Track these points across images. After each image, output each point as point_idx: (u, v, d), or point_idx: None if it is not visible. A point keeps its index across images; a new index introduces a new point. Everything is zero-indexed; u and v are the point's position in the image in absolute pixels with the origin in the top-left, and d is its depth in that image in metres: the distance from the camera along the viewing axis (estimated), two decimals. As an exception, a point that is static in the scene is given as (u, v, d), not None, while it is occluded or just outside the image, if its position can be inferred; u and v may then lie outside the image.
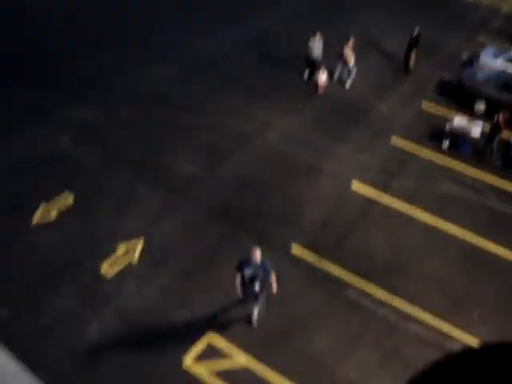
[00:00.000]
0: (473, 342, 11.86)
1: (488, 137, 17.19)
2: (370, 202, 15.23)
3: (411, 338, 11.91)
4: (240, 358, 11.24)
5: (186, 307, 12.05)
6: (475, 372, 0.85)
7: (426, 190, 15.75)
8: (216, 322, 11.77)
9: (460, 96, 19.68)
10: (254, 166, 15.96)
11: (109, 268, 12.71)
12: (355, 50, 19.88)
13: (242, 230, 13.88)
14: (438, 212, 15.00)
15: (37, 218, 13.73)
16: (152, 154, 16.01)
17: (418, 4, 26.71)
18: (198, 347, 11.37)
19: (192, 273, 12.79)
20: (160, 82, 18.99)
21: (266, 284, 10.99)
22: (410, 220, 14.79)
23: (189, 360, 11.14)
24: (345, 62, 19.77)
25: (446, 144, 17.50)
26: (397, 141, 17.55)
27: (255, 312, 11.44)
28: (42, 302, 11.85)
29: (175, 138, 16.70)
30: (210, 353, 11.32)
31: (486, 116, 18.56)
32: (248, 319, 11.65)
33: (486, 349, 0.89)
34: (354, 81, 19.96)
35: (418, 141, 17.63)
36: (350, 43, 19.69)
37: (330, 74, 19.78)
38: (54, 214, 13.87)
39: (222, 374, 10.98)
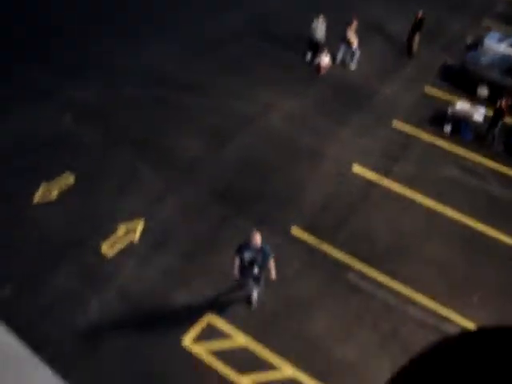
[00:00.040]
0: (471, 325, 11.92)
1: (491, 122, 17.13)
2: (370, 185, 15.22)
3: (410, 321, 11.98)
4: (239, 339, 11.32)
5: (187, 288, 12.11)
6: (471, 355, 0.85)
7: (427, 174, 15.74)
8: (216, 304, 11.83)
9: (463, 81, 19.58)
10: (256, 149, 15.93)
11: (110, 248, 12.75)
12: (358, 32, 19.76)
13: (243, 213, 13.90)
14: (439, 196, 15.00)
15: (38, 197, 13.75)
16: (154, 135, 15.98)
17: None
18: (198, 328, 11.44)
19: (192, 254, 12.83)
20: (161, 63, 18.89)
21: (264, 268, 11.01)
22: (411, 204, 14.79)
23: (189, 340, 11.22)
24: (348, 45, 19.69)
25: (447, 128, 17.45)
26: (399, 125, 17.51)
27: (255, 294, 11.48)
28: (43, 282, 11.91)
29: (177, 119, 16.66)
30: (210, 333, 11.39)
31: (489, 101, 18.48)
32: (247, 300, 11.69)
33: (482, 332, 0.89)
34: (358, 64, 19.87)
35: (420, 125, 17.58)
36: (353, 26, 19.58)
37: (333, 57, 19.69)
38: (55, 193, 13.88)
39: (221, 354, 11.06)
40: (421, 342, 11.05)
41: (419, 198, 14.94)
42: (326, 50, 19.28)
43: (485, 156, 16.63)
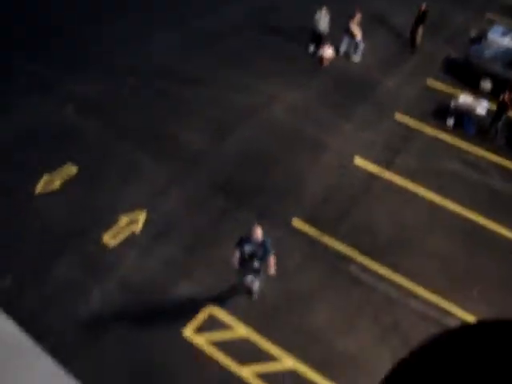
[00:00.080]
0: (472, 318, 11.95)
1: (494, 115, 17.10)
2: (372, 177, 15.22)
3: (411, 314, 12.01)
4: (240, 330, 11.35)
5: (188, 279, 12.13)
6: (471, 348, 0.86)
7: (429, 168, 15.73)
8: (217, 295, 11.85)
9: (466, 74, 19.53)
10: (257, 141, 15.92)
11: (111, 238, 12.78)
12: (361, 25, 19.70)
13: (244, 205, 13.91)
14: (441, 189, 14.99)
15: (40, 187, 13.76)
16: (155, 128, 15.96)
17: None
18: (199, 319, 11.47)
19: (194, 246, 12.84)
20: (161, 55, 18.84)
21: (264, 262, 10.99)
22: (413, 197, 14.79)
23: (190, 331, 11.25)
24: (351, 37, 19.64)
25: (450, 122, 17.42)
26: (401, 117, 17.48)
27: (255, 285, 11.49)
28: (45, 272, 11.93)
29: (178, 111, 16.64)
30: (211, 324, 11.43)
31: (492, 95, 18.44)
32: (248, 292, 11.71)
33: (482, 325, 0.90)
34: (361, 56, 19.82)
35: (423, 118, 17.55)
36: (356, 18, 19.52)
37: (336, 49, 19.64)
38: (57, 183, 13.90)
39: (222, 345, 11.09)
40: (421, 334, 11.07)
41: (421, 191, 14.93)
42: (329, 42, 19.23)
43: (487, 150, 16.61)
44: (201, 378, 10.63)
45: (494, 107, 17.19)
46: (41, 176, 14.01)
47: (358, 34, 19.55)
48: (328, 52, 19.23)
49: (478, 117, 17.35)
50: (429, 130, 17.11)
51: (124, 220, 13.19)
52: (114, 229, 12.98)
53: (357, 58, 19.84)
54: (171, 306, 11.73)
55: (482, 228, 14.18)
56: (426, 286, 12.53)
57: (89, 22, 19.86)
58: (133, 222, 13.18)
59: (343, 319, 11.77)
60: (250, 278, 11.27)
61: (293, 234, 13.37)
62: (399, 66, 19.99)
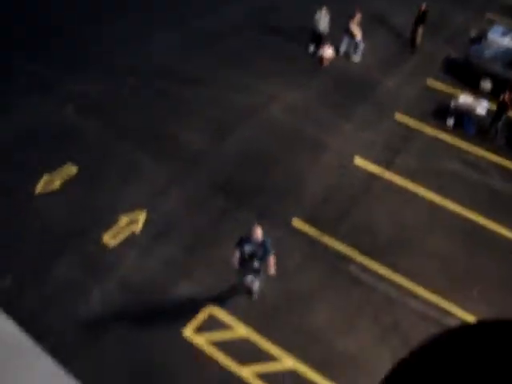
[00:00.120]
0: (472, 319, 11.95)
1: (494, 115, 17.10)
2: (372, 177, 15.22)
3: (411, 314, 12.01)
4: (240, 330, 11.35)
5: (188, 279, 12.14)
6: (471, 348, 0.86)
7: (429, 168, 15.72)
8: (217, 295, 11.85)
9: (466, 74, 19.53)
10: (257, 141, 15.92)
11: (111, 238, 12.78)
12: (361, 25, 19.70)
13: (244, 205, 13.91)
14: (441, 190, 14.99)
15: (40, 187, 13.76)
16: (155, 128, 15.96)
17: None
18: (199, 319, 11.47)
19: (194, 246, 12.84)
20: (160, 55, 18.84)
21: (264, 262, 10.98)
22: (413, 197, 14.79)
23: (190, 331, 11.25)
24: (351, 37, 19.64)
25: (450, 122, 17.41)
26: (401, 117, 17.48)
27: (256, 285, 11.49)
28: (45, 271, 11.94)
29: (178, 111, 16.63)
30: (211, 324, 11.43)
31: (492, 95, 18.44)
32: (248, 292, 11.71)
33: (482, 325, 0.90)
34: (361, 56, 19.82)
35: (423, 118, 17.55)
36: (356, 18, 19.52)
37: (336, 49, 19.64)
38: (57, 183, 13.90)
39: (222, 345, 11.09)
40: (421, 334, 11.07)
41: (421, 191, 14.93)
42: (329, 42, 19.23)
43: (487, 150, 16.61)
44: (201, 377, 10.63)
45: (494, 107, 17.19)
46: (41, 176, 14.01)
47: (357, 33, 19.55)
48: (328, 52, 19.24)
49: (478, 117, 17.35)
50: (429, 130, 17.11)
51: (124, 220, 13.19)
52: (114, 229, 12.98)
53: (357, 57, 19.84)
54: (171, 305, 11.73)
55: (482, 228, 14.18)
56: (426, 286, 12.53)
57: (89, 21, 19.85)
58: (133, 222, 13.18)
59: (343, 319, 11.77)
60: (249, 278, 11.26)
61: (293, 233, 13.37)
62: (399, 66, 19.99)
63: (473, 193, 15.10)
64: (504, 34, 20.22)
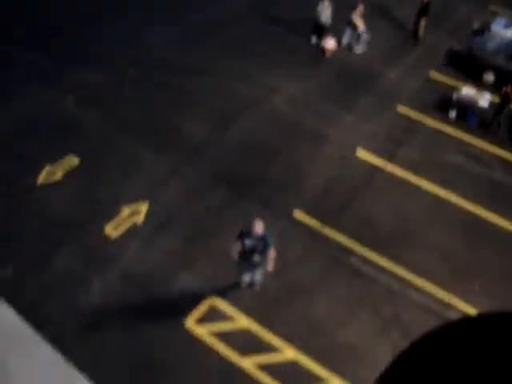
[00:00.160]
0: (473, 311, 11.96)
1: (496, 108, 17.05)
2: (374, 169, 15.20)
3: (412, 306, 12.02)
4: (241, 321, 11.38)
5: (190, 270, 12.15)
6: (472, 340, 0.86)
7: (431, 160, 15.70)
8: (218, 286, 11.87)
9: (469, 66, 19.46)
10: (259, 132, 15.90)
11: (113, 229, 12.79)
12: (364, 17, 19.63)
13: (246, 196, 13.90)
14: (443, 182, 14.97)
15: (41, 178, 13.76)
16: (157, 119, 15.94)
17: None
18: (201, 310, 11.50)
19: (195, 237, 12.85)
20: (163, 46, 18.76)
21: (265, 256, 10.95)
22: (415, 189, 14.77)
23: (191, 322, 11.28)
24: (354, 28, 19.58)
25: (453, 114, 17.38)
26: (403, 109, 17.44)
27: (257, 276, 11.50)
28: (46, 262, 11.95)
29: (180, 102, 16.60)
30: (212, 315, 11.45)
31: (495, 87, 18.38)
32: (250, 283, 11.72)
33: (483, 318, 0.90)
34: (365, 47, 19.75)
35: (425, 110, 17.51)
36: (359, 10, 19.46)
37: (338, 41, 19.57)
38: (59, 174, 13.90)
39: (223, 336, 11.12)
40: (422, 327, 11.07)
41: (423, 183, 14.92)
42: (331, 34, 19.18)
43: (490, 142, 16.57)
44: (202, 368, 10.66)
45: (497, 99, 17.14)
46: (42, 167, 14.01)
47: (360, 25, 19.49)
48: (330, 43, 19.17)
49: (481, 109, 17.31)
50: (431, 123, 17.07)
51: (126, 211, 13.20)
52: (116, 220, 12.99)
53: (359, 49, 19.78)
54: (173, 296, 11.75)
55: (484, 221, 14.17)
56: (427, 279, 12.54)
57: (89, 21, 19.69)
58: (135, 213, 13.19)
59: (344, 311, 11.80)
60: (247, 276, 11.30)
61: (294, 225, 13.37)
62: (402, 57, 19.93)
63: (475, 185, 15.08)
64: (507, 26, 20.12)
